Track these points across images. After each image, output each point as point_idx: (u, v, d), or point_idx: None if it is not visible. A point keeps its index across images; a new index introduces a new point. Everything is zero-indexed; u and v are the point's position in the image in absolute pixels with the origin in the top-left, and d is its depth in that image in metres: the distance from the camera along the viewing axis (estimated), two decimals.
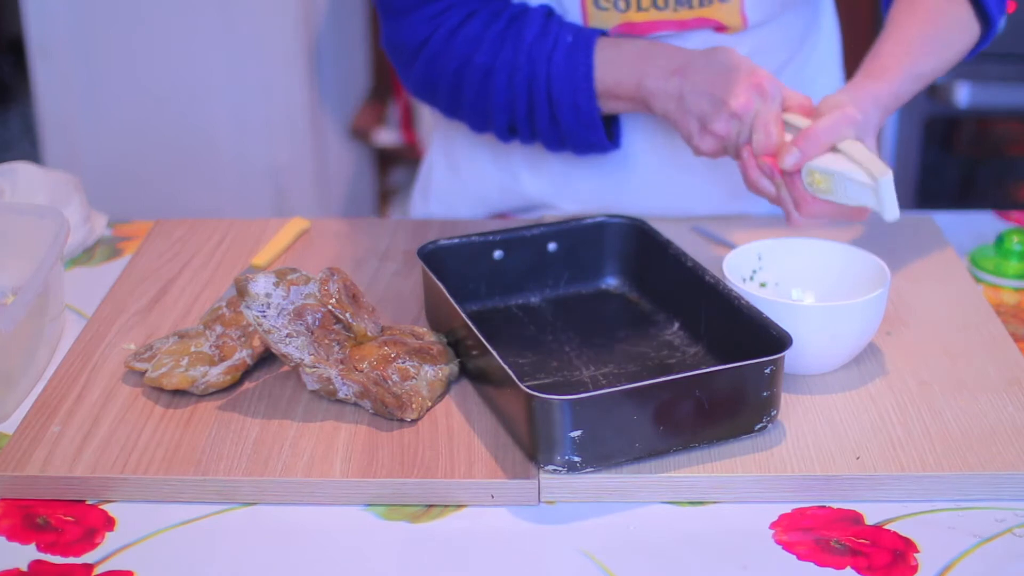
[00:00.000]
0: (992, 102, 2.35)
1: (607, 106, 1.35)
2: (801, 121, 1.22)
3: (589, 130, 1.36)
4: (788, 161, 1.19)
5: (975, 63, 2.16)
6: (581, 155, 1.42)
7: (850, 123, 1.19)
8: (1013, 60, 2.33)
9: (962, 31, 1.33)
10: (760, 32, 1.40)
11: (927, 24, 1.31)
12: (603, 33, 1.35)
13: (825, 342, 1.13)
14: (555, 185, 1.50)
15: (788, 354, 1.06)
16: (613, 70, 1.32)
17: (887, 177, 1.14)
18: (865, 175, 1.15)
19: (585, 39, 1.33)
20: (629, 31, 1.37)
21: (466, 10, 1.35)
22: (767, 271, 1.23)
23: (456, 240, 1.24)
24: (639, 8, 1.36)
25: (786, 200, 1.23)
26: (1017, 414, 1.10)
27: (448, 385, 1.14)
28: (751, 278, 1.22)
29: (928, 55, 1.30)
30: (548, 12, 1.36)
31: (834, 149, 1.19)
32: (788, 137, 1.22)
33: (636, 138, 1.46)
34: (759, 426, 1.06)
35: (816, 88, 1.50)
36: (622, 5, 1.35)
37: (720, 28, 1.38)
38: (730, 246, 1.37)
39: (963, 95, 2.29)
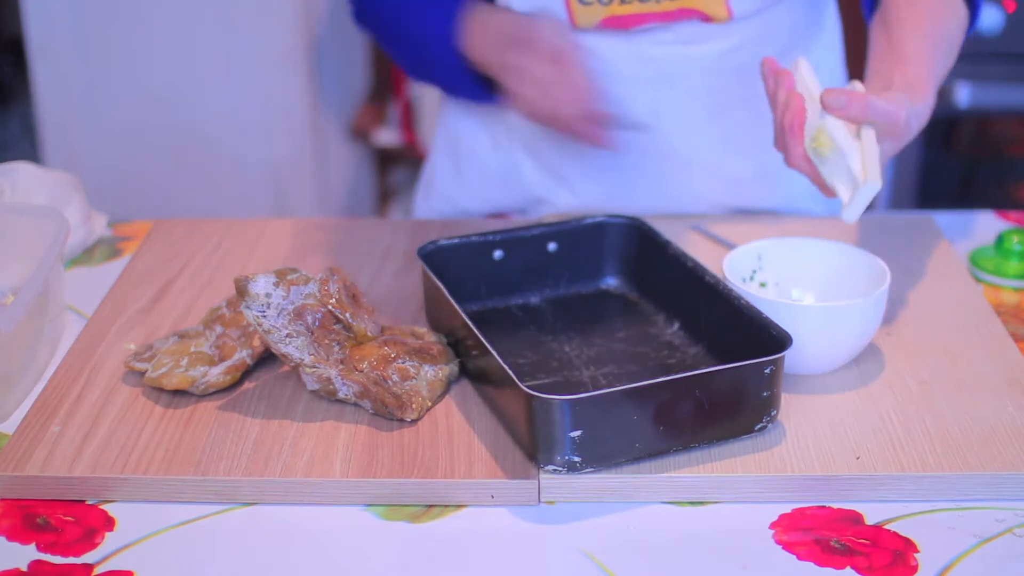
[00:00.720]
0: (992, 102, 2.35)
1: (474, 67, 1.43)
2: (813, 82, 1.17)
3: (461, 81, 1.45)
4: (832, 100, 1.11)
5: (975, 63, 2.16)
6: (476, 104, 1.51)
7: (895, 123, 1.13)
8: (1013, 60, 2.32)
9: (960, 26, 1.33)
10: (749, 24, 1.40)
11: (940, 27, 1.27)
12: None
13: (825, 342, 1.13)
14: (555, 178, 1.50)
15: (788, 354, 1.06)
16: (479, 33, 1.40)
17: (873, 185, 1.10)
18: (859, 170, 1.12)
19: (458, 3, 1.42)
20: (614, 24, 1.37)
21: None
22: (767, 271, 1.23)
23: (456, 240, 1.24)
24: (622, 1, 1.35)
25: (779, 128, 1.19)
26: (1017, 414, 1.10)
27: (448, 385, 1.14)
28: (751, 278, 1.22)
29: (946, 61, 1.26)
30: None
31: (855, 129, 1.15)
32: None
33: (636, 137, 1.45)
34: (759, 426, 1.06)
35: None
36: None
37: (705, 19, 1.37)
38: (730, 246, 1.37)
39: (963, 95, 2.29)
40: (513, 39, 1.36)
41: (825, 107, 1.13)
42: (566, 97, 1.34)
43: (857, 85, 1.19)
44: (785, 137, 1.15)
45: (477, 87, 1.44)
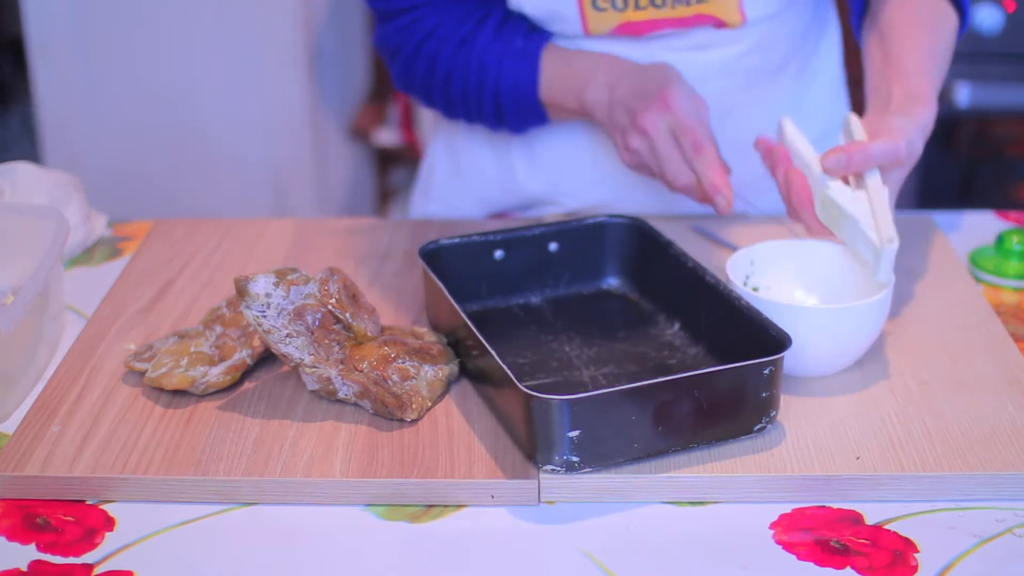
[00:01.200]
0: (992, 102, 2.35)
1: (553, 112, 1.41)
2: (859, 128, 1.21)
3: (536, 123, 1.43)
4: (832, 163, 1.17)
5: (975, 63, 2.16)
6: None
7: (896, 156, 1.17)
8: (1013, 60, 2.32)
9: (953, 33, 1.34)
10: (759, 29, 1.40)
11: (934, 36, 1.30)
12: (550, 38, 1.40)
13: (828, 345, 1.13)
14: (554, 182, 1.50)
15: (790, 356, 1.06)
16: (560, 82, 1.37)
17: (892, 247, 1.13)
18: (875, 236, 1.14)
19: (534, 46, 1.38)
20: (629, 31, 1.37)
21: (435, 19, 1.40)
22: (759, 276, 1.23)
23: (456, 240, 1.24)
24: (637, 7, 1.35)
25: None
26: (1017, 414, 1.10)
27: (448, 385, 1.14)
28: (744, 283, 1.22)
29: (942, 68, 1.30)
30: (505, 17, 1.40)
31: (859, 178, 1.18)
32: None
33: None
34: (758, 427, 1.06)
35: (816, 88, 1.50)
36: (620, 4, 1.35)
37: (719, 24, 1.38)
38: (730, 246, 1.37)
39: (963, 95, 2.29)
40: (625, 81, 1.33)
41: (827, 172, 1.18)
42: (679, 156, 1.29)
43: (853, 119, 1.21)
44: (800, 216, 1.22)
45: (540, 122, 1.43)
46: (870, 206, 1.16)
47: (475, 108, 1.43)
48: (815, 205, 1.20)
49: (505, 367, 1.02)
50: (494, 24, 1.40)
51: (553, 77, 1.38)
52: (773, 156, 1.24)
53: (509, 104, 1.40)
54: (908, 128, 1.18)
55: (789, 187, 1.21)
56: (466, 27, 1.40)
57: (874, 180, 1.18)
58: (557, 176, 1.50)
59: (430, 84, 1.44)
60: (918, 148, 1.20)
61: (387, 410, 1.09)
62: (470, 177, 1.55)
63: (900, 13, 1.31)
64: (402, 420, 1.09)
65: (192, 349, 1.15)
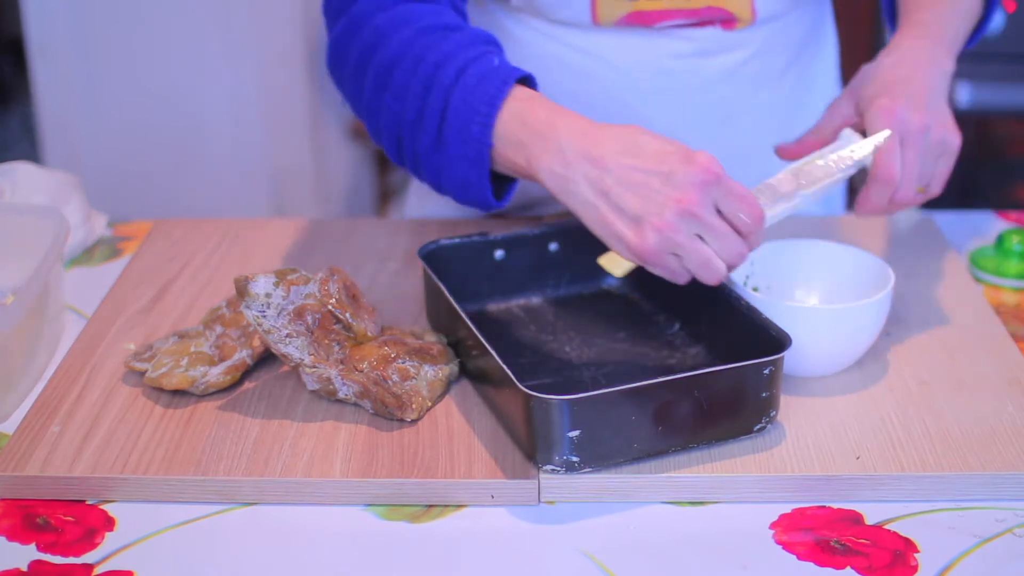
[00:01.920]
0: (992, 102, 2.35)
1: (497, 161, 1.14)
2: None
3: (474, 168, 1.14)
4: (877, 212, 1.17)
5: (975, 63, 2.16)
6: (459, 201, 1.19)
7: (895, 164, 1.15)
8: (1013, 60, 2.33)
9: (976, 10, 1.32)
10: (766, 29, 1.40)
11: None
12: (531, 79, 1.16)
13: (828, 345, 1.13)
14: None
15: (791, 356, 1.06)
16: (519, 120, 1.11)
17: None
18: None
19: (507, 71, 1.14)
20: (638, 20, 1.35)
21: None
22: (759, 276, 1.23)
23: (457, 240, 1.24)
24: None
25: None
26: (1017, 414, 1.10)
27: (448, 385, 1.14)
28: (744, 283, 1.22)
29: (964, 20, 1.28)
30: (489, 39, 1.19)
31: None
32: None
33: None
34: (758, 427, 1.06)
35: (815, 91, 1.50)
36: None
37: (728, 22, 1.37)
38: None
39: (963, 95, 2.29)
40: (613, 155, 1.06)
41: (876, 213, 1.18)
42: (730, 235, 1.06)
43: (849, 133, 1.21)
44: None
45: (487, 187, 1.15)
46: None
47: (411, 118, 1.15)
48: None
49: (505, 367, 1.02)
50: (474, 32, 1.19)
51: (514, 113, 1.12)
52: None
53: (454, 128, 1.13)
54: (902, 115, 1.16)
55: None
56: (442, 17, 1.19)
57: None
58: None
59: (364, 65, 1.18)
60: (940, 85, 1.18)
61: (387, 410, 1.09)
62: None
63: None
64: (402, 420, 1.09)
65: (192, 349, 1.15)
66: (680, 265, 1.07)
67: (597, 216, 1.07)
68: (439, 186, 1.18)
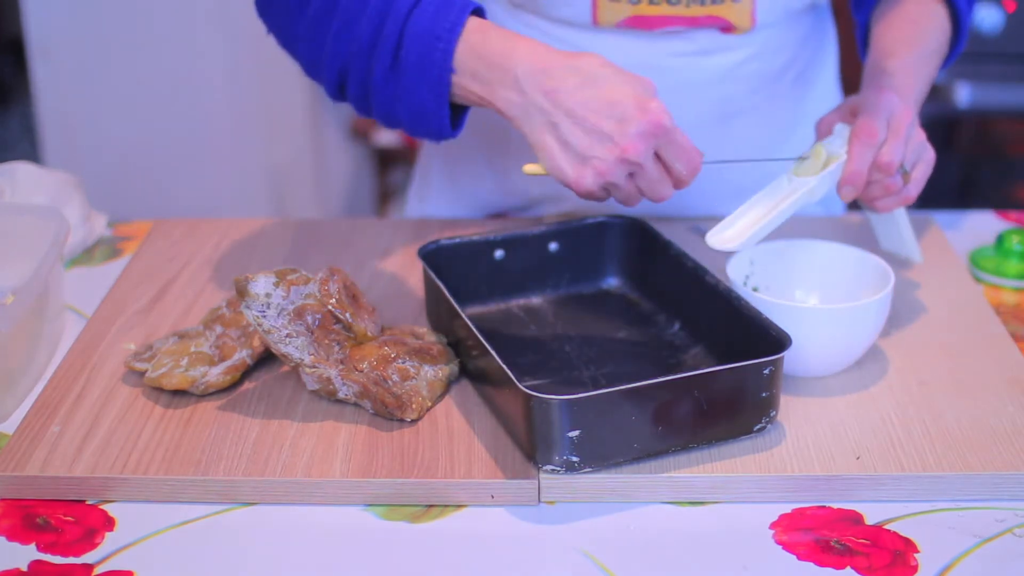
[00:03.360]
0: (992, 102, 2.35)
1: (456, 90, 1.13)
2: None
3: (433, 96, 1.13)
4: (847, 197, 1.20)
5: (975, 63, 2.16)
6: (412, 133, 1.18)
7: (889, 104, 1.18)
8: (1013, 60, 2.33)
9: (946, 41, 1.34)
10: (764, 35, 1.40)
11: (924, 38, 1.31)
12: (482, 10, 1.16)
13: (828, 345, 1.13)
14: (553, 185, 1.50)
15: (791, 356, 1.06)
16: (476, 51, 1.11)
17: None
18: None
19: (463, 1, 1.13)
20: (638, 24, 1.36)
21: None
22: (760, 276, 1.23)
23: (457, 240, 1.24)
24: (651, 2, 1.35)
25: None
26: (1017, 414, 1.10)
27: (448, 385, 1.14)
28: (744, 283, 1.22)
29: (929, 75, 1.30)
30: None
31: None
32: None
33: None
34: (758, 427, 1.06)
35: (814, 95, 1.50)
36: None
37: (727, 28, 1.37)
38: None
39: (963, 95, 2.29)
40: (566, 88, 1.08)
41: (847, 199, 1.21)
42: (665, 176, 1.11)
43: (840, 129, 1.22)
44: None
45: (445, 114, 1.15)
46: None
47: (363, 47, 1.14)
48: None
49: (505, 367, 1.02)
50: None
51: (473, 43, 1.12)
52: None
53: (412, 56, 1.12)
54: (887, 104, 1.20)
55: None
56: None
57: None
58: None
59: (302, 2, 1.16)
60: (903, 109, 1.20)
61: (387, 410, 1.09)
62: (464, 179, 1.55)
63: (900, 18, 1.32)
64: (402, 420, 1.09)
65: (192, 349, 1.15)
66: (606, 194, 1.13)
67: (544, 145, 1.10)
68: (390, 116, 1.17)
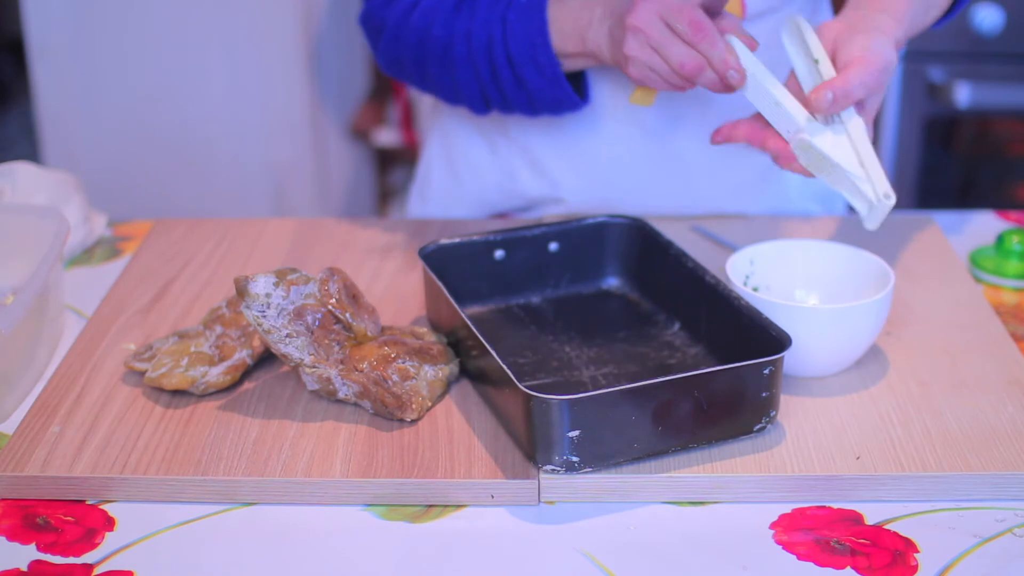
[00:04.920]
0: (992, 102, 2.35)
1: (566, 64, 1.33)
2: (813, 39, 1.17)
3: (554, 86, 1.34)
4: (821, 102, 1.12)
5: (975, 63, 2.16)
6: (556, 116, 1.40)
7: (878, 81, 1.14)
8: (1013, 60, 2.32)
9: None
10: (758, 24, 1.40)
11: None
12: None
13: (828, 345, 1.13)
14: (554, 185, 1.50)
15: (791, 356, 1.06)
16: (561, 28, 1.31)
17: (889, 202, 1.11)
18: (870, 189, 1.11)
19: (535, 1, 1.32)
20: None
21: None
22: (760, 275, 1.23)
23: (457, 240, 1.24)
24: None
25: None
26: (1017, 414, 1.10)
27: (448, 385, 1.14)
28: (744, 284, 1.22)
29: (921, 3, 1.26)
30: None
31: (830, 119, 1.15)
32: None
33: (636, 137, 1.45)
34: (758, 427, 1.06)
35: None
36: None
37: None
38: (730, 246, 1.37)
39: (963, 95, 2.29)
40: (616, 8, 1.25)
41: (817, 109, 1.13)
42: (687, 56, 1.19)
43: (802, 24, 1.18)
44: (782, 165, 1.17)
45: (568, 87, 1.34)
46: (855, 151, 1.13)
47: (488, 81, 1.35)
48: (792, 148, 1.15)
49: (505, 367, 1.02)
50: None
51: (554, 23, 1.31)
52: (734, 133, 1.22)
53: (524, 62, 1.32)
54: (880, 46, 1.15)
55: (764, 144, 1.19)
56: None
57: (855, 124, 1.14)
58: (556, 177, 1.50)
59: (424, 57, 1.37)
60: (894, 64, 1.16)
61: (387, 410, 1.09)
62: (467, 179, 1.55)
63: None
64: (402, 420, 1.09)
65: (192, 349, 1.15)
66: (665, 83, 1.23)
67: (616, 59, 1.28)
68: (535, 113, 1.38)
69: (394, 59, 1.41)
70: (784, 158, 1.17)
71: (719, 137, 1.23)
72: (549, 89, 1.34)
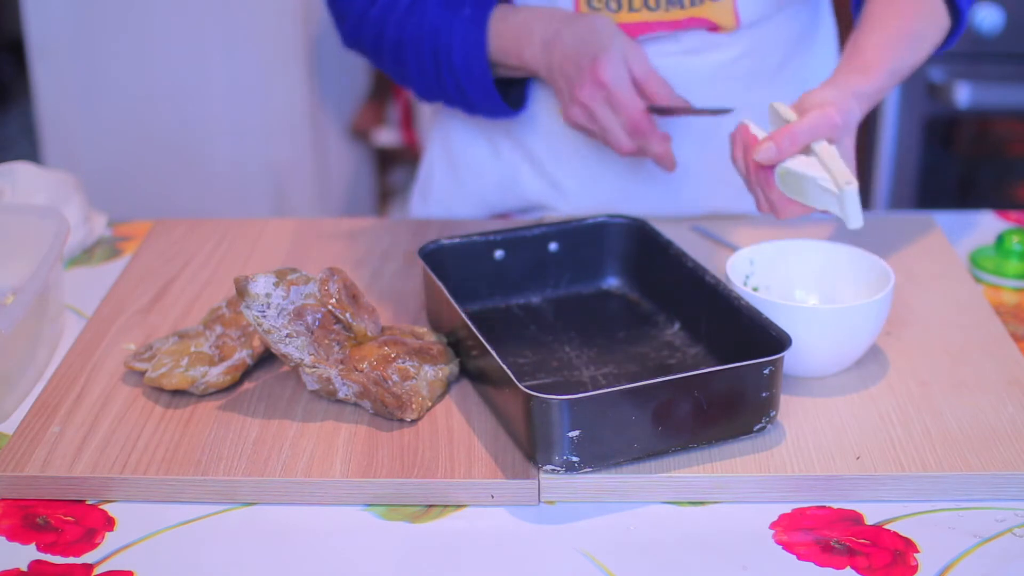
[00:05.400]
0: (992, 102, 2.34)
1: (507, 73, 1.40)
2: (787, 112, 1.21)
3: (489, 98, 1.40)
4: (763, 155, 1.16)
5: (975, 63, 2.16)
6: (492, 119, 1.49)
7: (830, 125, 1.16)
8: (1013, 60, 2.32)
9: (936, 25, 1.33)
10: (754, 32, 1.40)
11: (905, 19, 1.29)
12: (500, 1, 1.40)
13: (828, 345, 1.13)
14: (554, 186, 1.50)
15: (791, 356, 1.06)
16: (500, 42, 1.37)
17: (852, 187, 1.12)
18: (832, 183, 1.13)
19: (482, 9, 1.38)
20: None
21: None
22: (760, 275, 1.23)
23: (457, 240, 1.24)
24: (631, 8, 1.36)
25: (753, 188, 1.22)
26: (1017, 414, 1.10)
27: (448, 385, 1.14)
28: (744, 284, 1.22)
29: (907, 50, 1.28)
30: None
31: (807, 150, 1.17)
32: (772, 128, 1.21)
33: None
34: (758, 427, 1.06)
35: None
36: (613, 6, 1.35)
37: (713, 28, 1.38)
38: (730, 246, 1.37)
39: (963, 95, 2.29)
40: (562, 37, 1.32)
41: (761, 162, 1.18)
42: (620, 126, 1.33)
43: (778, 107, 1.22)
44: (767, 197, 1.20)
45: (500, 100, 1.41)
46: (822, 164, 1.16)
47: (433, 80, 1.42)
48: (775, 180, 1.18)
49: (505, 367, 1.02)
50: None
51: (496, 38, 1.37)
52: (745, 143, 1.22)
53: (463, 72, 1.39)
54: (839, 97, 1.18)
55: (748, 172, 1.21)
56: None
57: (819, 144, 1.17)
58: (557, 178, 1.50)
59: (380, 50, 1.44)
60: (854, 114, 1.19)
61: (387, 410, 1.09)
62: (468, 180, 1.55)
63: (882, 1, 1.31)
64: (402, 420, 1.09)
65: (192, 349, 1.15)
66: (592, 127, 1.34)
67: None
68: (474, 114, 1.46)
69: (354, 44, 1.48)
70: (778, 211, 1.20)
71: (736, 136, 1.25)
72: (486, 100, 1.41)
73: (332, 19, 1.51)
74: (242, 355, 1.15)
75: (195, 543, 0.99)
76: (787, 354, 1.04)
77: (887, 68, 1.25)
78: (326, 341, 1.11)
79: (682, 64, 1.39)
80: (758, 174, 1.19)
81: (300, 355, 1.10)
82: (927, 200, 2.47)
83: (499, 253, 1.26)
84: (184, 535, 1.00)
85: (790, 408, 1.11)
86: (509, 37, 1.36)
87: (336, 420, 1.10)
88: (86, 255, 1.43)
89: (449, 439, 1.07)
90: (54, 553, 0.98)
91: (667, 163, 1.34)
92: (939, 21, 1.33)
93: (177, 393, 1.14)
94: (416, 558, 0.97)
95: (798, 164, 1.16)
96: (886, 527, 1.00)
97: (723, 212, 1.49)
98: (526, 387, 1.00)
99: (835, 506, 1.02)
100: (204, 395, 1.13)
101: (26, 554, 0.98)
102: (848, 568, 0.96)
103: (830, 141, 1.17)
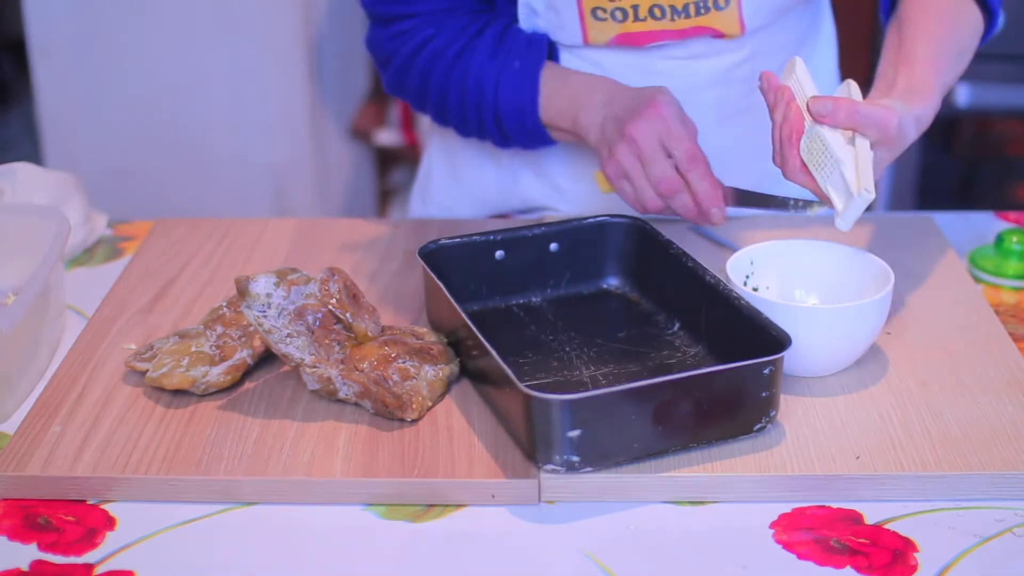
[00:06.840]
0: (992, 102, 2.35)
1: (551, 133, 1.40)
2: (856, 92, 1.17)
3: (535, 142, 1.42)
4: (819, 107, 1.12)
5: (975, 63, 2.16)
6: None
7: (885, 127, 1.13)
8: (1013, 60, 2.33)
9: (974, 34, 1.32)
10: (758, 37, 1.40)
11: (952, 32, 1.27)
12: (548, 57, 1.39)
13: (828, 344, 1.13)
14: (555, 187, 1.50)
15: (791, 356, 1.06)
16: (554, 101, 1.37)
17: (868, 197, 1.10)
18: (854, 181, 1.12)
19: (532, 66, 1.37)
20: (627, 41, 1.37)
21: (431, 30, 1.39)
22: (760, 275, 1.23)
23: (457, 240, 1.24)
24: (636, 18, 1.36)
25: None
26: (1017, 414, 1.10)
27: (448, 385, 1.14)
28: (744, 284, 1.22)
29: (955, 66, 1.26)
30: (501, 32, 1.39)
31: (851, 137, 1.14)
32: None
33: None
34: (758, 427, 1.06)
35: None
36: (619, 16, 1.36)
37: (718, 35, 1.38)
38: (730, 246, 1.37)
39: (963, 95, 2.29)
40: (620, 100, 1.33)
41: (812, 114, 1.14)
42: (665, 179, 1.30)
43: (852, 85, 1.19)
44: (783, 149, 1.16)
45: (548, 141, 1.41)
46: (855, 159, 1.13)
47: (475, 127, 1.42)
48: (802, 139, 1.15)
49: (505, 367, 1.02)
50: (490, 39, 1.39)
51: (549, 97, 1.37)
52: (777, 92, 1.18)
53: (511, 125, 1.39)
54: (903, 112, 1.15)
55: (784, 120, 1.16)
56: (461, 41, 1.39)
57: (862, 142, 1.14)
58: (558, 179, 1.50)
59: (423, 97, 1.43)
60: (909, 134, 1.16)
61: (387, 410, 1.09)
62: (468, 180, 1.55)
63: (922, 5, 1.29)
64: (402, 420, 1.09)
65: (193, 349, 1.15)
66: (633, 192, 1.32)
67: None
68: (509, 148, 1.46)
69: (397, 89, 1.47)
70: (787, 171, 1.17)
71: (765, 83, 1.21)
72: (531, 144, 1.43)
73: (374, 61, 1.49)
74: (243, 355, 1.15)
75: (196, 543, 0.99)
76: (787, 354, 1.04)
77: (939, 91, 1.21)
78: (327, 341, 1.11)
79: (687, 68, 1.40)
80: (792, 124, 1.15)
81: (301, 355, 1.10)
82: (927, 200, 2.47)
83: (499, 253, 1.26)
84: (185, 535, 1.00)
85: (790, 408, 1.11)
86: (567, 98, 1.36)
87: (337, 420, 1.10)
88: (87, 255, 1.43)
89: (449, 439, 1.07)
90: (55, 553, 0.98)
91: (718, 210, 1.31)
92: (976, 27, 1.32)
93: (178, 393, 1.14)
94: (416, 558, 0.97)
95: (835, 140, 1.13)
96: (886, 527, 1.00)
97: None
98: (526, 387, 1.00)
99: (835, 506, 1.02)
100: (205, 395, 1.14)
101: (27, 554, 0.98)
102: (848, 568, 0.96)
103: (872, 145, 1.16)
